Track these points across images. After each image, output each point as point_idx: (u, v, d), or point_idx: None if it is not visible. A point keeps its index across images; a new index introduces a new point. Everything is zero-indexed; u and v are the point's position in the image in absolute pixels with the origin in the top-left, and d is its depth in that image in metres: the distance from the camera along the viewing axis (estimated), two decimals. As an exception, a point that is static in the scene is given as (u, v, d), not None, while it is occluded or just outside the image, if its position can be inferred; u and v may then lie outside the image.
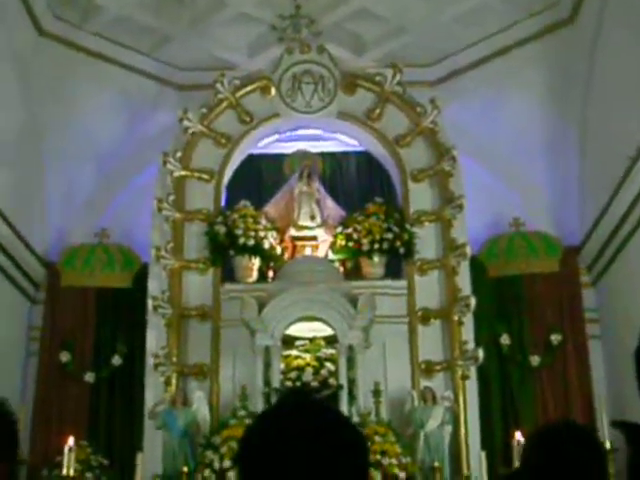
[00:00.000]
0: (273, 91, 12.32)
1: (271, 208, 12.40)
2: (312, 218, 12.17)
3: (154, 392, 10.98)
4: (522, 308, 12.14)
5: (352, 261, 11.83)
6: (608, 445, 9.45)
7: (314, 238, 12.13)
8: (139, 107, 13.23)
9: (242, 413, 10.00)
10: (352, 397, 10.16)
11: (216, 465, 9.69)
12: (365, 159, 13.43)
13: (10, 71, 11.39)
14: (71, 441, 9.78)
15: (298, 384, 10.31)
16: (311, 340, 10.77)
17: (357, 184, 13.70)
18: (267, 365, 10.27)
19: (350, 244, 11.65)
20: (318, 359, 10.58)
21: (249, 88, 12.32)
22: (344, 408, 10.01)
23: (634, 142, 9.94)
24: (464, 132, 12.46)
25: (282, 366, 10.41)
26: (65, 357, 11.93)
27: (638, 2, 9.26)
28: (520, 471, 2.98)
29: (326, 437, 2.01)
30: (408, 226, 11.59)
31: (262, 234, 11.60)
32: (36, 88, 12.02)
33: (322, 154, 13.13)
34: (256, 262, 11.69)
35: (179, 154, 11.90)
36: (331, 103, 12.28)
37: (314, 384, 10.31)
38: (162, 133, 12.69)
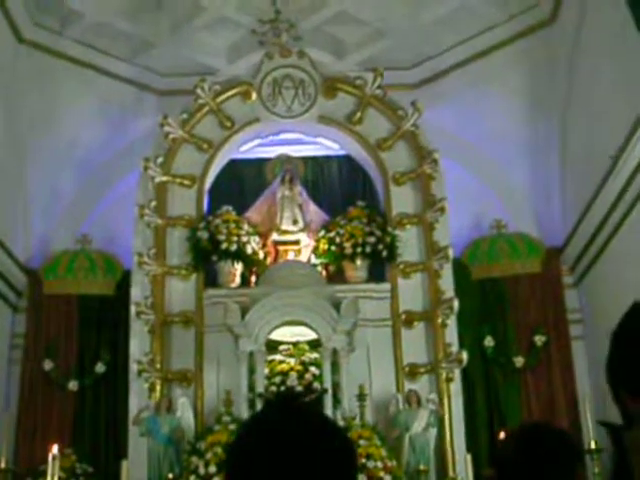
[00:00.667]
0: (254, 96, 12.31)
1: (253, 213, 12.38)
2: (294, 222, 12.16)
3: (138, 399, 10.94)
4: (505, 310, 12.16)
5: (335, 265, 11.82)
6: (593, 445, 9.46)
7: (297, 242, 12.12)
8: (120, 113, 13.21)
9: (227, 419, 9.98)
10: (337, 401, 10.17)
11: (201, 471, 9.65)
12: (347, 163, 13.44)
13: (-10, 79, 11.36)
14: (55, 449, 9.72)
15: (283, 389, 10.30)
16: (295, 345, 10.76)
17: (339, 188, 13.71)
18: (251, 370, 10.27)
19: (333, 248, 11.65)
20: (302, 363, 10.56)
21: (230, 93, 12.30)
22: (329, 412, 10.00)
23: (615, 142, 9.96)
24: (445, 135, 12.48)
25: (266, 371, 10.41)
26: (48, 365, 11.87)
27: (618, 2, 9.28)
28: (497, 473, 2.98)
29: (314, 443, 2.00)
30: (390, 229, 11.59)
31: (245, 239, 11.58)
32: (16, 95, 12.00)
33: (304, 158, 13.12)
34: (239, 267, 11.67)
35: (160, 160, 11.87)
36: (312, 107, 12.28)
37: (298, 389, 10.30)
38: (143, 139, 12.67)
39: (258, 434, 2.05)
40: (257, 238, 11.83)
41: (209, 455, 9.68)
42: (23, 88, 12.08)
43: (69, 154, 12.85)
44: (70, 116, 12.77)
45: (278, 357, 10.67)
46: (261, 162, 13.14)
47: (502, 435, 10.24)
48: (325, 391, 10.17)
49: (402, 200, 11.92)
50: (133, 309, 11.18)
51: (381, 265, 11.82)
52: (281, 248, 12.11)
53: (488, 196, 12.87)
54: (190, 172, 12.02)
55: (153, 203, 11.66)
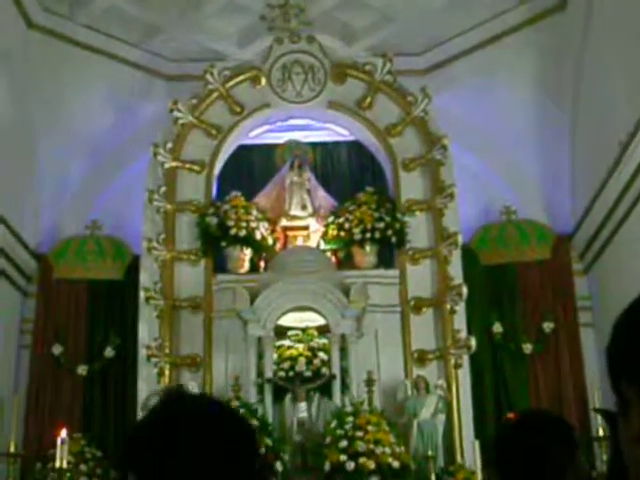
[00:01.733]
0: (263, 81, 12.30)
1: (262, 198, 12.39)
2: (303, 208, 12.17)
3: (147, 384, 10.98)
4: (514, 296, 12.16)
5: (344, 251, 11.83)
6: (601, 432, 9.47)
7: (306, 228, 12.13)
8: (129, 98, 13.18)
9: (235, 404, 9.98)
10: (345, 386, 10.19)
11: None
12: (356, 148, 13.41)
13: (-1, 64, 11.37)
14: (64, 433, 9.75)
15: (291, 374, 10.32)
16: (303, 330, 10.77)
17: (348, 174, 13.69)
18: (260, 356, 10.29)
19: (342, 234, 11.65)
20: (311, 349, 10.57)
21: (239, 79, 12.29)
22: (337, 397, 10.04)
23: (625, 128, 9.94)
24: (455, 120, 12.44)
25: (275, 356, 10.43)
26: (58, 350, 11.91)
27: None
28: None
29: (210, 428, 2.00)
30: (400, 215, 11.58)
31: (254, 225, 11.58)
32: (26, 81, 11.99)
33: (313, 144, 13.14)
34: (248, 253, 11.68)
35: (170, 145, 11.88)
36: (321, 93, 12.27)
37: (307, 374, 10.31)
38: (152, 124, 12.64)
39: (152, 424, 2.06)
40: (266, 224, 11.83)
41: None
42: (32, 73, 12.07)
43: (78, 139, 12.85)
44: (79, 101, 12.76)
45: (287, 342, 10.69)
46: (270, 148, 13.14)
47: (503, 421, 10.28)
48: (333, 377, 10.19)
49: (411, 186, 11.91)
50: (142, 294, 11.21)
51: (390, 251, 11.83)
52: (290, 234, 12.12)
53: (497, 182, 12.85)
54: (199, 157, 12.03)
55: (162, 188, 11.67)
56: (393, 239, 11.49)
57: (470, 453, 10.33)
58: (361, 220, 11.50)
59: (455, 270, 11.43)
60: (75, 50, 12.61)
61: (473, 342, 10.96)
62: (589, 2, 11.00)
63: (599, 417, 9.60)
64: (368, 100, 12.18)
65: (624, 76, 10.18)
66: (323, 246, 11.98)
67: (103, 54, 12.91)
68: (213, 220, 11.48)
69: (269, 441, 9.56)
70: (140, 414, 10.70)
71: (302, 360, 10.43)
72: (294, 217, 12.14)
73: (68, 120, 12.68)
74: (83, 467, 10.88)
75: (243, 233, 11.46)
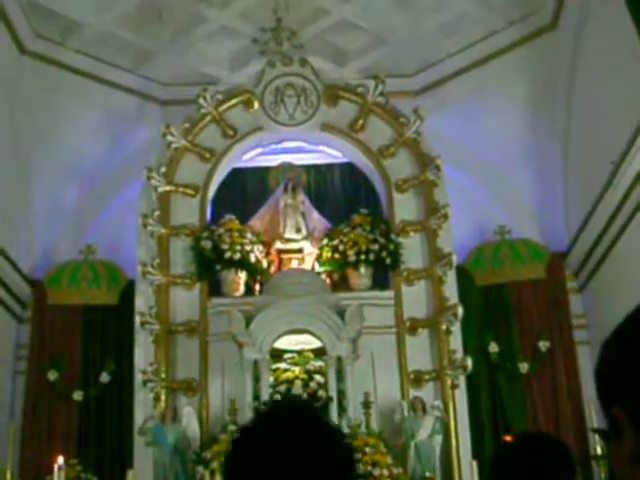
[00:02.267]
0: (256, 104, 12.32)
1: (256, 221, 12.39)
2: (298, 231, 12.17)
3: (143, 409, 10.95)
4: (510, 316, 12.16)
5: (339, 273, 11.83)
6: (599, 450, 9.46)
7: (300, 251, 12.13)
8: (122, 123, 13.22)
9: (232, 428, 9.97)
10: (342, 409, 10.16)
11: (207, 480, 9.66)
12: (349, 170, 13.46)
13: (-8, 90, 11.39)
14: (60, 460, 9.72)
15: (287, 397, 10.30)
16: (299, 353, 10.75)
17: (342, 195, 13.73)
18: (256, 379, 10.26)
19: (336, 256, 11.65)
20: (307, 372, 10.56)
21: (232, 102, 12.32)
22: (334, 420, 10.00)
23: (617, 148, 9.97)
24: (448, 141, 12.49)
25: (271, 379, 10.41)
26: (53, 375, 11.87)
27: (619, 7, 9.28)
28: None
29: (313, 448, 1.99)
30: (394, 236, 11.59)
31: (248, 248, 11.58)
32: (19, 106, 12.01)
33: (306, 166, 13.17)
34: (243, 276, 11.68)
35: (163, 169, 11.88)
36: (314, 115, 12.29)
37: (304, 397, 10.29)
38: (146, 148, 12.68)
39: (254, 441, 2.05)
40: (260, 247, 11.83)
41: (215, 464, 9.68)
42: (26, 99, 12.09)
43: (72, 164, 12.87)
44: (72, 126, 12.79)
45: (283, 365, 10.67)
46: (264, 171, 13.18)
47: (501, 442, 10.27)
48: (330, 399, 10.16)
49: (405, 207, 11.92)
50: (137, 319, 11.18)
51: (385, 272, 11.82)
52: (284, 256, 12.12)
53: (491, 202, 12.88)
54: (193, 181, 12.03)
55: (156, 213, 11.67)
56: (388, 260, 11.48)
57: (468, 473, 10.31)
58: (355, 242, 11.50)
59: (450, 290, 11.43)
60: (68, 75, 12.65)
61: (469, 362, 10.94)
62: (579, 22, 11.06)
63: (597, 435, 9.60)
64: (361, 122, 12.21)
65: (616, 95, 10.21)
66: (318, 268, 11.98)
67: (96, 79, 12.95)
68: (207, 244, 11.48)
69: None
70: (136, 439, 10.69)
71: (298, 383, 10.41)
72: (288, 240, 12.14)
73: (62, 145, 12.70)
74: (80, 493, 10.84)
75: (238, 256, 11.45)
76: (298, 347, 10.76)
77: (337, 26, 12.80)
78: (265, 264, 11.91)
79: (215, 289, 11.71)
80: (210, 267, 11.54)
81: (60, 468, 9.51)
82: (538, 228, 12.73)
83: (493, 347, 11.92)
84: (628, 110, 9.71)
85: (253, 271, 11.77)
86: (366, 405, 10.22)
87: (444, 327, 11.18)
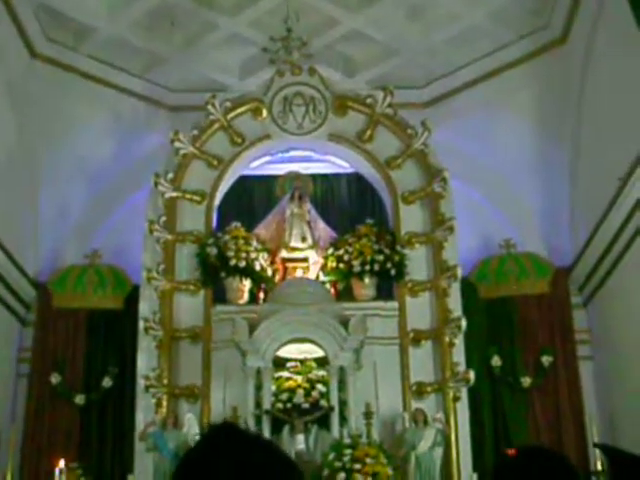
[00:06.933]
0: (264, 113, 12.34)
1: (262, 229, 12.40)
2: (303, 240, 12.17)
3: (145, 414, 10.94)
4: (513, 329, 12.15)
5: (343, 283, 11.82)
6: (599, 465, 9.45)
7: (305, 260, 12.13)
8: (131, 128, 13.25)
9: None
10: (343, 419, 10.14)
11: (207, 487, 9.63)
12: (356, 181, 13.47)
13: (3, 93, 11.41)
14: (62, 464, 9.73)
15: (289, 406, 10.30)
16: (302, 362, 10.75)
17: (348, 206, 13.73)
18: (258, 387, 10.25)
19: (341, 266, 11.65)
20: (309, 381, 10.55)
21: (240, 110, 12.34)
22: (335, 429, 10.01)
23: (624, 164, 9.97)
24: (455, 154, 12.49)
25: (273, 388, 10.40)
26: (55, 379, 11.88)
27: (628, 21, 9.28)
28: None
29: (256, 471, 1.98)
30: (399, 248, 11.58)
31: (253, 255, 11.58)
32: (29, 110, 12.04)
33: (313, 175, 13.18)
34: (247, 284, 11.68)
35: (170, 175, 11.90)
36: (322, 125, 12.30)
37: (305, 406, 10.29)
38: (154, 154, 12.71)
39: (198, 463, 2.02)
40: (266, 255, 11.83)
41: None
42: (36, 103, 12.12)
43: (80, 168, 12.90)
44: (81, 131, 12.82)
45: (285, 374, 10.67)
46: (271, 179, 13.18)
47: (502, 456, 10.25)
48: (332, 409, 10.16)
49: (411, 219, 11.92)
50: (141, 324, 11.19)
51: (389, 283, 11.81)
52: (289, 265, 12.12)
53: (497, 215, 12.89)
54: (200, 188, 12.05)
55: (163, 219, 11.69)
56: (392, 271, 11.48)
57: (468, 486, 10.31)
58: (361, 252, 11.50)
59: (454, 303, 11.42)
60: (78, 80, 12.68)
61: (472, 375, 10.93)
62: (590, 36, 11.07)
63: (598, 450, 9.60)
64: (369, 132, 12.22)
65: (625, 110, 10.21)
66: (322, 278, 11.98)
67: (106, 84, 12.99)
68: (213, 250, 11.48)
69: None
70: (137, 445, 10.68)
71: (300, 392, 10.41)
72: (294, 249, 12.14)
73: (70, 149, 12.73)
74: (79, 497, 10.84)
75: (243, 264, 11.45)
76: (301, 356, 10.76)
77: (347, 36, 12.83)
78: (270, 272, 11.92)
79: (219, 296, 11.70)
80: (215, 274, 11.54)
81: (61, 472, 9.53)
82: (543, 243, 12.73)
83: (496, 360, 11.92)
84: (637, 126, 9.72)
85: (258, 279, 11.78)
86: (367, 415, 10.20)
87: (447, 339, 11.17)
